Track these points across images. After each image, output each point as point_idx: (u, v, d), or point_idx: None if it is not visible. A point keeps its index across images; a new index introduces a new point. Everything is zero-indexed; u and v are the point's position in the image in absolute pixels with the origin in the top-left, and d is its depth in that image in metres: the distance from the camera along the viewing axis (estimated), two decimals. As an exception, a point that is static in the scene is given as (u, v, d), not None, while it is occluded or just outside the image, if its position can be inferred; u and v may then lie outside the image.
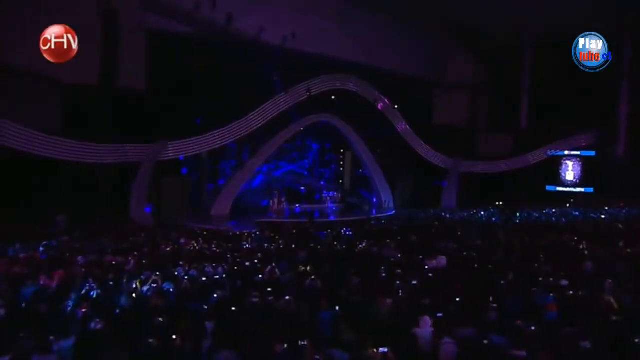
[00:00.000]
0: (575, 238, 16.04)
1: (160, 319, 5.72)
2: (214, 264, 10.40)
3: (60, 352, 5.56)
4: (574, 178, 30.24)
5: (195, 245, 14.80)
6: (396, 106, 26.85)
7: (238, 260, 11.57)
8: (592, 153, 29.95)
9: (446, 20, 25.86)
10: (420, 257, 11.82)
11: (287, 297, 7.42)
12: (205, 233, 17.96)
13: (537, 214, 24.50)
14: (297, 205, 26.43)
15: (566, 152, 30.07)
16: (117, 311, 6.60)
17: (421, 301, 7.57)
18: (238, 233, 18.50)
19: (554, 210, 25.83)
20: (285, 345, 4.99)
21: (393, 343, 5.58)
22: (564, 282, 8.73)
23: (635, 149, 29.13)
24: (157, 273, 8.89)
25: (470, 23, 26.09)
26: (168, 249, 13.76)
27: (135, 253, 12.29)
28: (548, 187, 30.20)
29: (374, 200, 27.86)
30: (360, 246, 14.21)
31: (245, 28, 21.43)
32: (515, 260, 11.40)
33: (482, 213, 24.70)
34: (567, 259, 11.91)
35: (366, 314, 6.95)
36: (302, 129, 25.47)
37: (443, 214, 24.93)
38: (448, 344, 5.66)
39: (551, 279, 9.12)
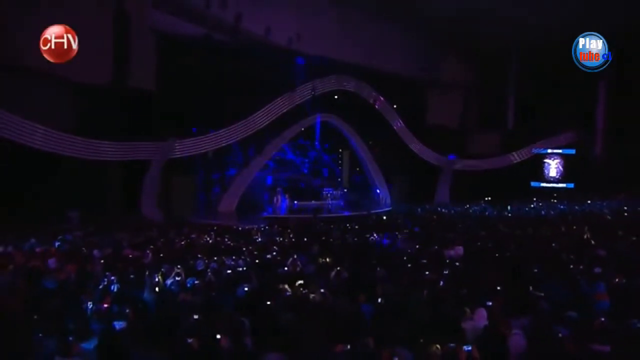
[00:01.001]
0: (574, 228, 15.35)
1: (196, 316, 4.63)
2: (233, 257, 9.34)
3: (82, 354, 4.50)
4: (556, 174, 29.69)
5: (209, 239, 13.70)
6: (395, 106, 26.00)
7: (256, 252, 10.50)
8: (572, 151, 29.53)
9: (439, 25, 25.09)
10: (436, 247, 10.92)
11: (322, 290, 6.42)
12: (215, 228, 16.84)
13: (527, 208, 23.85)
14: (296, 201, 25.31)
15: (549, 150, 29.55)
16: (143, 307, 5.50)
17: (461, 292, 6.61)
18: (247, 228, 17.44)
19: (540, 204, 25.22)
20: (348, 346, 3.95)
21: (449, 337, 4.66)
22: (597, 270, 7.82)
23: (611, 147, 28.76)
24: (179, 266, 7.82)
25: (461, 29, 25.37)
26: (182, 242, 12.63)
27: (152, 247, 11.18)
28: (533, 183, 29.60)
29: (377, 196, 26.93)
30: (371, 238, 13.26)
31: (251, 31, 20.39)
32: (532, 249, 10.53)
33: (476, 207, 23.93)
34: (579, 248, 11.08)
35: (409, 307, 5.95)
36: (302, 129, 24.51)
37: (438, 208, 24.10)
38: (517, 335, 4.69)
39: (581, 267, 8.23)
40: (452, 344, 4.31)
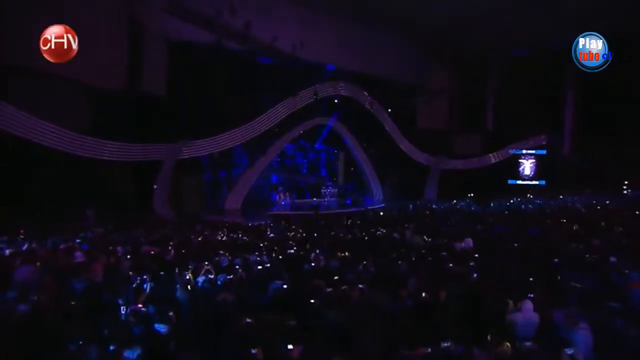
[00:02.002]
0: (562, 220, 14.93)
1: (249, 320, 3.84)
2: (256, 253, 8.52)
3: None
4: (530, 173, 29.56)
5: (223, 235, 12.81)
6: (389, 110, 25.45)
7: (275, 248, 9.69)
8: (544, 152, 29.46)
9: (427, 37, 24.76)
10: (445, 240, 10.28)
11: (361, 286, 5.68)
12: (227, 225, 15.95)
13: (508, 203, 23.50)
14: (296, 199, 24.51)
15: (524, 151, 29.42)
16: (187, 309, 4.67)
17: (496, 283, 5.94)
18: (256, 224, 16.62)
19: (519, 199, 24.93)
20: (429, 349, 3.24)
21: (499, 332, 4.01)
22: (613, 259, 7.26)
23: (578, 147, 28.75)
24: (207, 263, 6.99)
25: (446, 41, 25.09)
26: (199, 239, 11.74)
27: (171, 243, 10.28)
28: (509, 181, 29.38)
29: (371, 193, 26.30)
30: (378, 232, 12.56)
31: (258, 38, 19.63)
32: (536, 241, 9.96)
33: (462, 203, 23.48)
34: (575, 238, 10.56)
35: (451, 302, 5.25)
36: (301, 132, 23.77)
37: (429, 204, 23.58)
38: (584, 330, 4.04)
39: (594, 256, 7.67)
40: (527, 343, 3.66)
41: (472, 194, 26.48)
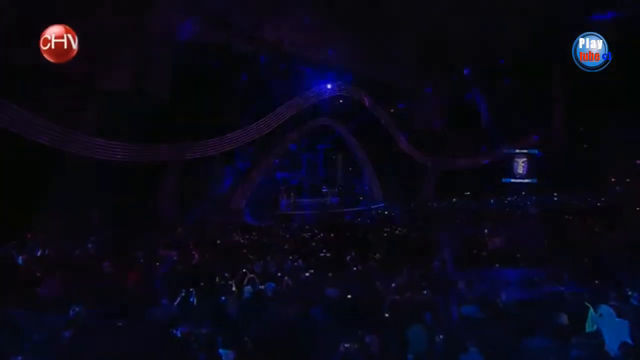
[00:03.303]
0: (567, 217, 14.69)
1: (347, 345, 3.13)
2: (290, 257, 7.79)
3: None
4: (523, 171, 29.47)
5: (239, 237, 11.99)
6: (392, 110, 24.96)
7: (303, 250, 8.97)
8: (536, 151, 29.44)
9: (423, 42, 24.41)
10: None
11: (425, 292, 5.05)
12: (239, 226, 15.14)
13: (506, 201, 23.27)
14: (298, 199, 23.76)
15: (517, 151, 29.34)
16: (260, 332, 3.91)
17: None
18: (267, 224, 15.88)
19: (516, 197, 24.75)
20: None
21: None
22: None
23: (567, 147, 28.86)
24: (244, 270, 6.24)
25: (441, 46, 24.81)
26: (218, 241, 10.92)
27: (190, 246, 9.45)
28: (503, 179, 29.23)
29: (368, 193, 25.71)
30: (397, 232, 11.96)
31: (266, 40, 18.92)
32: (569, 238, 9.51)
33: (462, 202, 23.12)
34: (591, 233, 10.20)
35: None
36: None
37: (428, 203, 23.14)
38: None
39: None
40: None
41: (468, 192, 26.21)
